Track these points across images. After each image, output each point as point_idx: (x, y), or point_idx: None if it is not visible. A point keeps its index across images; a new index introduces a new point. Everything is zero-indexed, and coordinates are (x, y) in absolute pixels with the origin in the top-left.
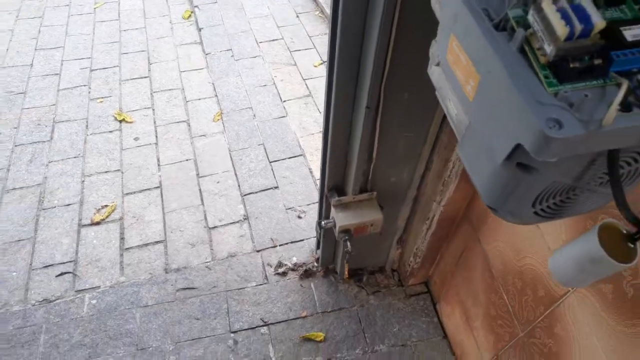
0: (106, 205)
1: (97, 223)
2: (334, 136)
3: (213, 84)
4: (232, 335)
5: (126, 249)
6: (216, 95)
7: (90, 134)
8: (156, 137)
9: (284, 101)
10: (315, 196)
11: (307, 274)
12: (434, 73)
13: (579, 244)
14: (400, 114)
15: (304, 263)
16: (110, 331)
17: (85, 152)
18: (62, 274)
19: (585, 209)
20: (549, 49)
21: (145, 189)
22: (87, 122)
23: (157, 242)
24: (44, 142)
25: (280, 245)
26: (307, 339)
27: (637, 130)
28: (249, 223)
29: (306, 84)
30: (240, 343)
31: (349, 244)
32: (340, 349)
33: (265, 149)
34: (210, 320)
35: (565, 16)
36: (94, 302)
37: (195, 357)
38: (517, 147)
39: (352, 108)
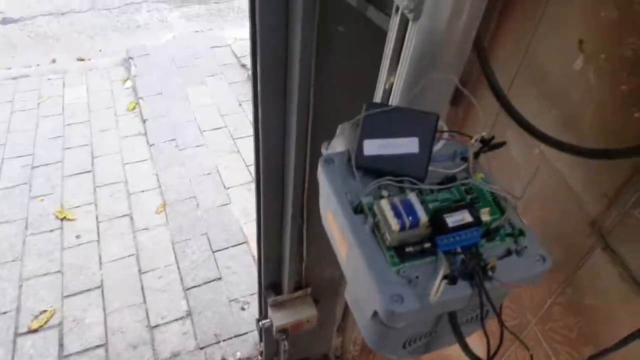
0: (45, 311)
1: (35, 330)
2: (266, 242)
3: (157, 175)
4: None
5: (65, 356)
6: (160, 187)
7: (30, 235)
8: (98, 233)
9: (228, 188)
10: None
11: None
12: (324, 225)
13: None
14: None
15: (248, 358)
16: None
17: (24, 254)
18: None
19: (452, 341)
20: (388, 237)
21: (86, 290)
22: (26, 222)
23: (97, 347)
24: None
25: (224, 340)
26: None
27: (463, 298)
28: (191, 319)
29: (249, 170)
30: None
31: (286, 343)
32: None
33: (208, 238)
34: None
35: (397, 212)
36: None
37: None
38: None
39: (280, 218)
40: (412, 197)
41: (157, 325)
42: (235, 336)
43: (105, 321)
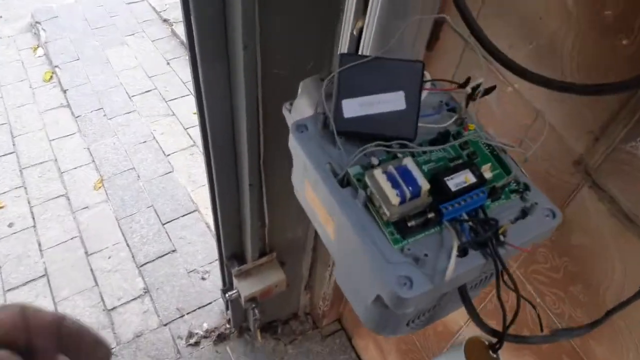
0: None
1: None
2: (223, 214)
3: (88, 148)
4: None
5: None
6: (93, 161)
7: None
8: (33, 218)
9: (168, 155)
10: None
11: (221, 337)
12: (299, 198)
13: (449, 354)
14: (285, 186)
15: (215, 327)
16: None
17: None
18: None
19: (455, 309)
20: (387, 212)
21: (30, 281)
22: None
23: None
24: None
25: (187, 313)
26: None
27: (476, 269)
28: (150, 296)
29: (188, 134)
30: None
31: (256, 311)
32: None
33: (155, 210)
34: None
35: (395, 183)
36: None
37: None
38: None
39: (236, 186)
40: (409, 163)
41: (114, 308)
42: (200, 307)
43: (56, 310)
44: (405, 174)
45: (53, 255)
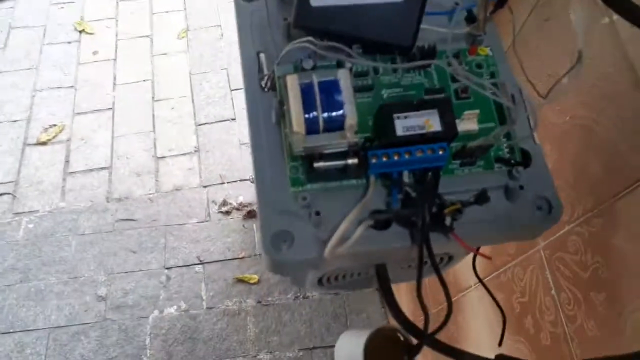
0: (54, 125)
1: (43, 143)
2: None
3: None
4: (165, 271)
5: (70, 173)
6: (185, 9)
7: (47, 44)
8: (116, 52)
9: None
10: None
11: (251, 214)
12: None
13: (352, 342)
14: None
15: (249, 203)
16: (44, 257)
17: (40, 63)
18: (1, 194)
19: (402, 279)
20: (291, 140)
21: (97, 110)
22: (45, 30)
23: (102, 169)
24: None
25: (228, 182)
26: (241, 281)
27: (398, 251)
28: (199, 156)
29: None
30: (172, 279)
31: None
32: (272, 292)
33: (228, 74)
34: (146, 254)
35: (308, 103)
36: (30, 226)
37: (126, 290)
38: None
39: None
40: (342, 77)
41: (163, 157)
42: (241, 180)
43: (112, 144)
44: (329, 92)
45: (123, 92)
